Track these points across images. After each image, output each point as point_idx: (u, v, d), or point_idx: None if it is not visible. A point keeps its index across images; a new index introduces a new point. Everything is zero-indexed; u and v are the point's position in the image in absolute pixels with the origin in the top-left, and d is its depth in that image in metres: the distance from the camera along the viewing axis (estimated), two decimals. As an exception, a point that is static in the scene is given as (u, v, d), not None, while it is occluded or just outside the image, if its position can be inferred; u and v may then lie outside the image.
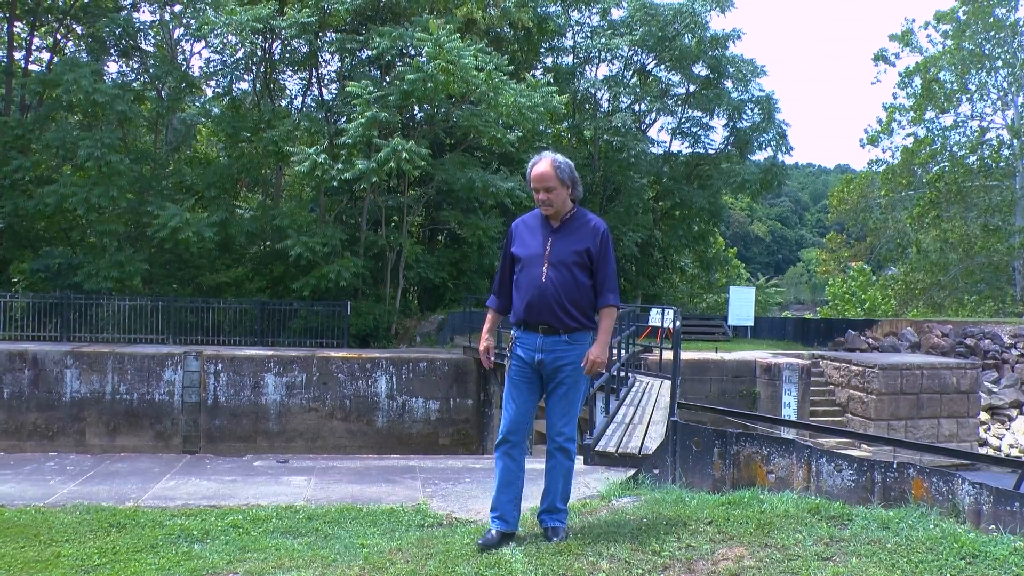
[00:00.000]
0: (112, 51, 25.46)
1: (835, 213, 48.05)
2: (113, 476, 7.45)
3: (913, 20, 44.72)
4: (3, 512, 5.91)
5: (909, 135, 41.44)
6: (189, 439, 18.04)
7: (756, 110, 30.67)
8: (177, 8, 25.52)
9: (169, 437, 18.01)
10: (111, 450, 16.90)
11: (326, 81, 26.45)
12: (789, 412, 19.22)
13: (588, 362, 4.62)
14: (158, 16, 26.34)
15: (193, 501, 6.38)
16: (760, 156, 32.16)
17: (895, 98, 42.21)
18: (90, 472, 7.62)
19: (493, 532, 4.70)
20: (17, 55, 25.34)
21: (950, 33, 39.18)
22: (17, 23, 25.08)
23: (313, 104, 26.37)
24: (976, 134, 39.87)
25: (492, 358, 5.06)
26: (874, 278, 44.31)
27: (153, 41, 27.01)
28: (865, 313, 38.65)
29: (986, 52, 38.55)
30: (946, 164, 39.83)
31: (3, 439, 17.46)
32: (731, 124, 31.32)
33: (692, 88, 31.10)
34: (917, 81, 40.27)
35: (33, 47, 26.23)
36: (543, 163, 4.69)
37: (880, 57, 42.27)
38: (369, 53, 22.47)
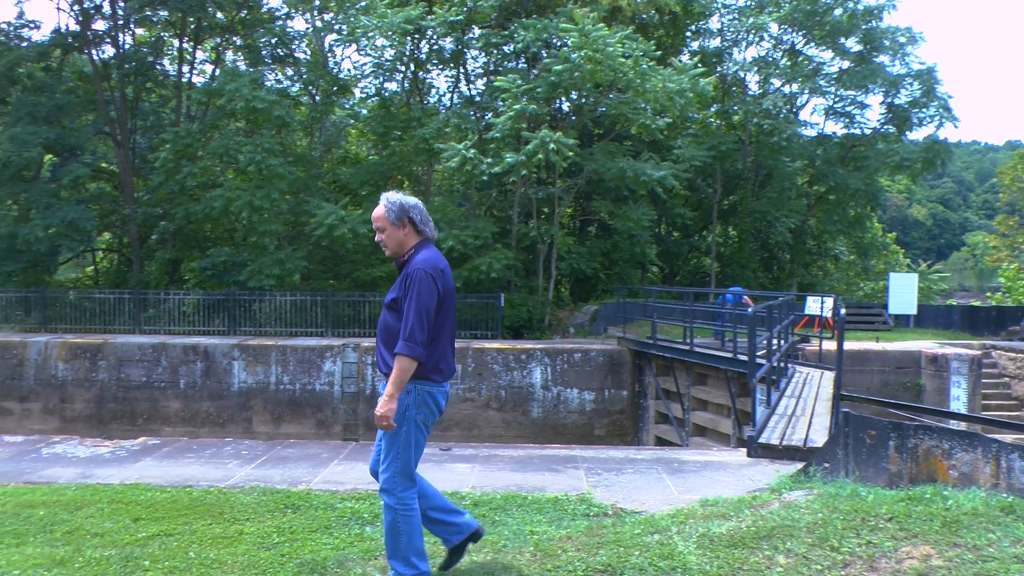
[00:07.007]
0: (267, 59, 26.67)
1: (1007, 192, 44.92)
2: (284, 461, 7.82)
3: None
4: (191, 492, 6.35)
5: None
6: (348, 427, 18.75)
7: (915, 85, 28.93)
8: (328, 16, 26.46)
9: (329, 425, 18.77)
10: (276, 437, 17.78)
11: (472, 77, 26.86)
12: (958, 406, 18.17)
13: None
14: (310, 24, 27.43)
15: (361, 486, 6.60)
16: (919, 134, 30.30)
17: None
18: (263, 457, 8.02)
19: None
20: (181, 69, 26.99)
21: None
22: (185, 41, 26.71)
23: (460, 100, 26.83)
24: None
25: None
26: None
27: (306, 48, 28.12)
28: (1042, 300, 35.97)
29: None
30: None
31: (181, 425, 18.73)
32: (887, 101, 29.64)
33: (844, 65, 29.68)
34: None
35: (196, 60, 27.89)
36: (379, 205, 4.41)
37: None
38: (514, 47, 22.64)
